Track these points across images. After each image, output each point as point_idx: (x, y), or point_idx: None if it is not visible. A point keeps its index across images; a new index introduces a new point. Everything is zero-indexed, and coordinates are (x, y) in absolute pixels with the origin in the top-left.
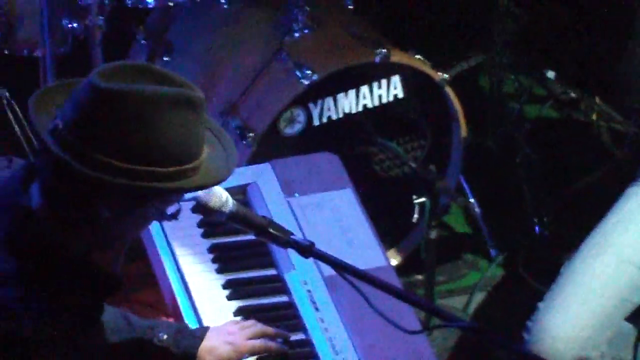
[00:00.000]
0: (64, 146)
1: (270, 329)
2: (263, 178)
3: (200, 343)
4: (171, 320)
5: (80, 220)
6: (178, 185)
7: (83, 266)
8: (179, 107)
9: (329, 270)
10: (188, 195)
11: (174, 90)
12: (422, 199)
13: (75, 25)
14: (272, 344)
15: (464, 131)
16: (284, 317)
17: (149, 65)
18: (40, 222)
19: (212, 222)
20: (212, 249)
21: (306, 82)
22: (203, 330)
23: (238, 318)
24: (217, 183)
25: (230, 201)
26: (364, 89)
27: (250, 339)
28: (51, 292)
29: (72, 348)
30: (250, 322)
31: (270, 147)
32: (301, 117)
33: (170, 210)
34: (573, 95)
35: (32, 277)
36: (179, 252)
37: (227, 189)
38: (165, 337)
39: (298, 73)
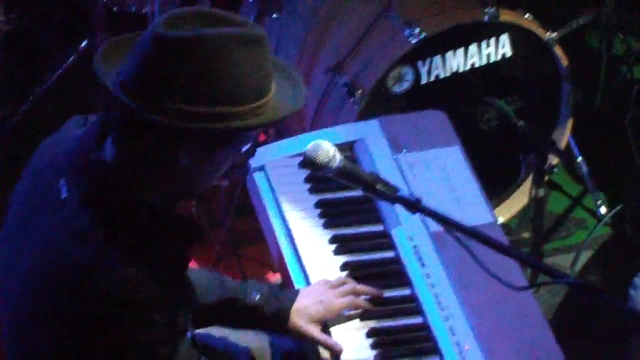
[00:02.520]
0: (133, 97)
1: (360, 287)
2: (371, 135)
3: (291, 304)
4: (278, 275)
5: (159, 170)
6: (255, 121)
7: (163, 218)
8: (243, 46)
9: (435, 227)
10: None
11: (236, 30)
12: (530, 158)
13: None
14: (361, 301)
15: (572, 91)
16: (389, 273)
17: (209, 9)
18: (116, 177)
19: (319, 177)
20: (319, 205)
21: (414, 41)
22: (294, 291)
23: (344, 273)
24: (293, 112)
25: (338, 157)
26: (473, 47)
27: (341, 297)
28: (132, 247)
29: (159, 304)
30: (340, 279)
31: (378, 105)
32: (409, 75)
33: (244, 148)
34: None
35: (111, 233)
36: (286, 207)
37: (335, 145)
38: (257, 297)
39: (407, 31)
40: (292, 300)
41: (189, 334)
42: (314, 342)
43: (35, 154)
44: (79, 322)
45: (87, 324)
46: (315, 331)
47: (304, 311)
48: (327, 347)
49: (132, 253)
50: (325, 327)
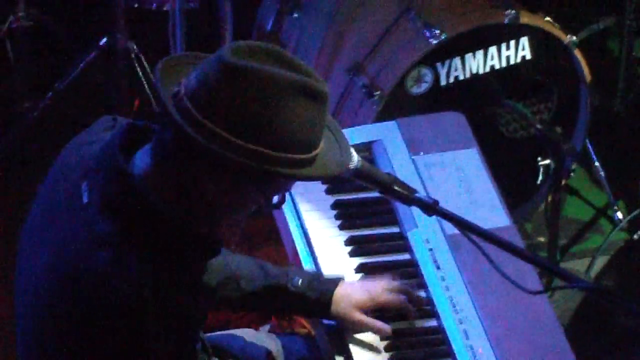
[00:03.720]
0: (182, 112)
1: (409, 289)
2: (388, 136)
3: (335, 288)
4: None
5: (184, 189)
6: (292, 172)
7: (181, 230)
8: (303, 95)
9: (451, 229)
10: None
11: (300, 78)
12: (547, 161)
13: None
14: (408, 306)
15: (591, 94)
16: (405, 275)
17: (281, 50)
18: (142, 187)
19: (336, 178)
20: (335, 206)
21: (434, 42)
22: (338, 278)
23: (359, 275)
24: (332, 176)
25: (356, 157)
26: (492, 49)
27: (389, 291)
28: (150, 256)
29: (174, 312)
30: (389, 278)
31: (396, 106)
32: (428, 76)
33: (275, 199)
34: None
35: (130, 241)
36: (303, 207)
37: (353, 146)
38: (300, 282)
39: (427, 32)
40: (336, 284)
41: (198, 346)
42: (359, 327)
43: (64, 150)
44: (89, 325)
45: (98, 328)
46: (360, 316)
47: (347, 297)
48: (375, 330)
49: (149, 262)
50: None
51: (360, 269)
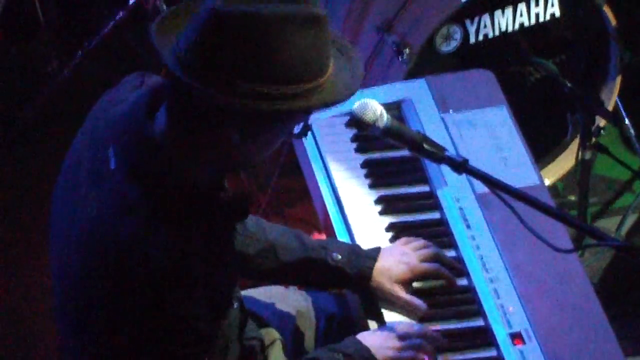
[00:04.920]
0: (186, 69)
1: (443, 254)
2: (418, 94)
3: (374, 263)
4: (323, 235)
5: (208, 145)
6: (306, 103)
7: (210, 194)
8: (300, 25)
9: (481, 188)
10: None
11: (293, 9)
12: (577, 119)
13: None
14: (445, 271)
15: (621, 52)
16: (435, 234)
17: None
18: (165, 151)
19: (366, 136)
20: (365, 165)
21: None
22: (376, 251)
23: (390, 234)
24: (345, 100)
25: (385, 116)
26: (522, 6)
27: (424, 261)
28: (178, 222)
29: (203, 279)
30: (422, 242)
31: (426, 64)
32: (457, 34)
33: (297, 128)
34: None
35: (158, 207)
36: (333, 166)
37: (382, 105)
38: (339, 257)
39: None
40: (375, 259)
41: (235, 304)
42: (398, 302)
43: (93, 110)
44: (121, 293)
45: (130, 296)
46: (400, 291)
47: (387, 272)
48: (412, 307)
49: (178, 228)
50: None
51: (390, 228)
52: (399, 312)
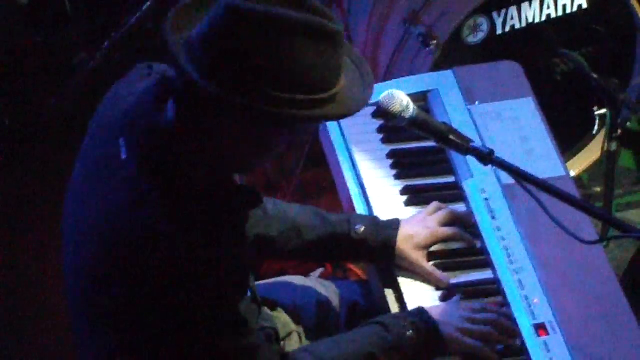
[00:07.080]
0: (192, 60)
1: (455, 214)
2: (445, 85)
3: (397, 232)
4: None
5: (207, 142)
6: (308, 113)
7: (219, 184)
8: (313, 35)
9: (507, 179)
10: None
11: (308, 18)
12: (603, 111)
13: None
14: (465, 235)
15: None
16: (460, 225)
17: None
18: (175, 141)
19: (392, 128)
20: (391, 155)
21: None
22: (395, 221)
23: None
24: (349, 115)
25: (412, 106)
26: None
27: (443, 223)
28: (191, 211)
29: (216, 268)
30: (435, 205)
31: (452, 56)
32: (484, 25)
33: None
34: None
35: (170, 197)
36: (358, 157)
37: (409, 95)
38: (362, 229)
39: None
40: (397, 229)
41: (248, 292)
42: (421, 272)
43: (102, 103)
44: (136, 284)
45: (144, 287)
46: (423, 261)
47: (410, 239)
48: (434, 280)
49: (191, 217)
50: (395, 279)
51: None
52: (421, 281)
